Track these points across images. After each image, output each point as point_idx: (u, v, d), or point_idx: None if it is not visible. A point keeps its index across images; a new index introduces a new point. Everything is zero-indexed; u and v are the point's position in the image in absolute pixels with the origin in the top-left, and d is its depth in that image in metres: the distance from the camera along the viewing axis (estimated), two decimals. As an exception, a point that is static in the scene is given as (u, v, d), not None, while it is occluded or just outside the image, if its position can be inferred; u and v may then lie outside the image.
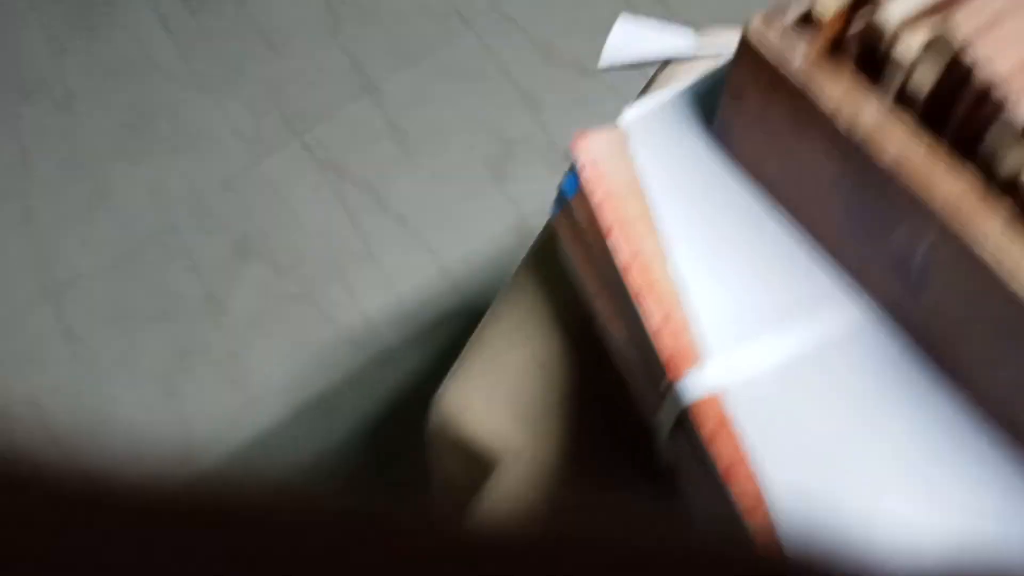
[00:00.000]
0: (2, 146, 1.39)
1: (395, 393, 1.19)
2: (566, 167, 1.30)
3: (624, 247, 0.35)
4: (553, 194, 1.29)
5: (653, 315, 0.34)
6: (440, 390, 0.46)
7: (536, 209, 1.28)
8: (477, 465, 0.40)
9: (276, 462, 1.16)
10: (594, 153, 0.38)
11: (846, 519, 0.30)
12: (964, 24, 0.29)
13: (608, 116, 1.33)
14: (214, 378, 1.20)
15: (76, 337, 1.25)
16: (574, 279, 0.42)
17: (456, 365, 0.47)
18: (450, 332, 1.21)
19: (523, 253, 1.24)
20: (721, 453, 0.32)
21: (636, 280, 0.34)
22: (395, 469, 1.16)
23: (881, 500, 0.31)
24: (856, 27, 0.32)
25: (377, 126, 1.35)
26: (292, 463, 1.16)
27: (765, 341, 0.33)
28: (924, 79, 0.30)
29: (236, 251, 1.28)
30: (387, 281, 1.25)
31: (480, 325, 0.49)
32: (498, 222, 1.28)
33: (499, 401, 0.41)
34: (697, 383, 0.33)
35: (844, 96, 0.31)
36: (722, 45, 0.51)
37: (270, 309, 1.24)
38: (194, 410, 1.19)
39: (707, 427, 0.32)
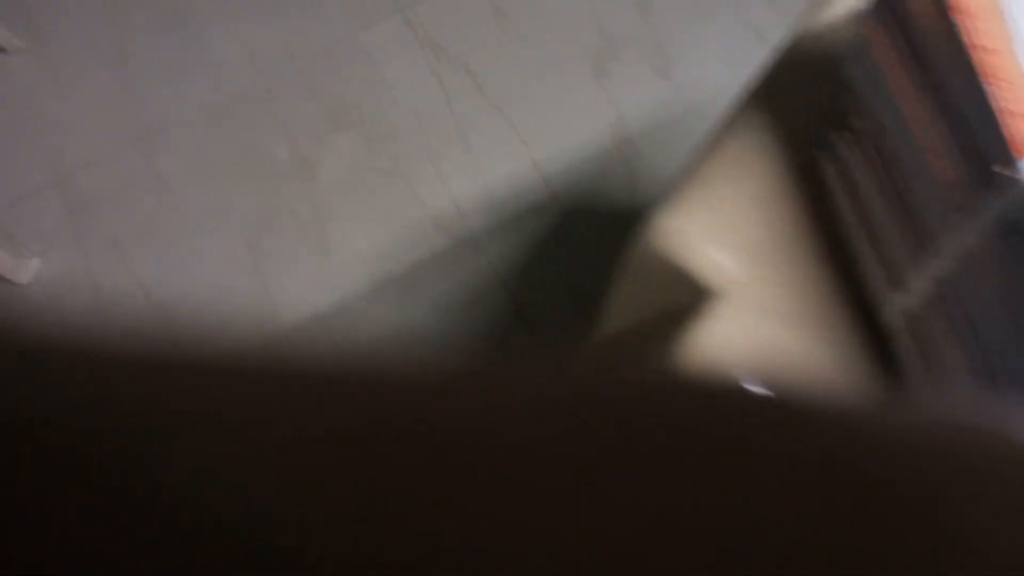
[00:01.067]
0: (100, -12, 1.37)
1: (475, 278, 1.19)
2: (671, 71, 1.27)
3: (977, 29, 0.33)
4: (655, 97, 1.26)
5: (1004, 96, 0.32)
6: (654, 219, 0.46)
7: (635, 111, 1.25)
8: (687, 294, 0.40)
9: (355, 331, 1.17)
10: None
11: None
12: None
13: (723, 30, 1.29)
14: (299, 241, 1.20)
15: (165, 184, 1.25)
16: (824, 102, 0.40)
17: (671, 196, 0.46)
18: (536, 226, 1.20)
19: (618, 154, 1.23)
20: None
21: (989, 61, 0.33)
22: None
23: None
24: None
25: (480, 8, 1.32)
26: (370, 333, 1.16)
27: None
28: None
29: (329, 118, 1.27)
30: (477, 167, 1.24)
31: (697, 158, 0.48)
32: (595, 120, 1.25)
33: (719, 235, 0.40)
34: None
35: None
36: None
37: (359, 180, 1.23)
38: (277, 271, 1.19)
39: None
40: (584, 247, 1.19)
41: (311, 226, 1.21)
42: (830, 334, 0.37)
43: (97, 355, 0.12)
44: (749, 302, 0.38)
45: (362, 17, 1.32)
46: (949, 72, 0.34)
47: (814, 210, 0.40)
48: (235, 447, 0.10)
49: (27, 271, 1.21)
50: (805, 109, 0.42)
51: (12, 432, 0.10)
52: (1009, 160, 0.32)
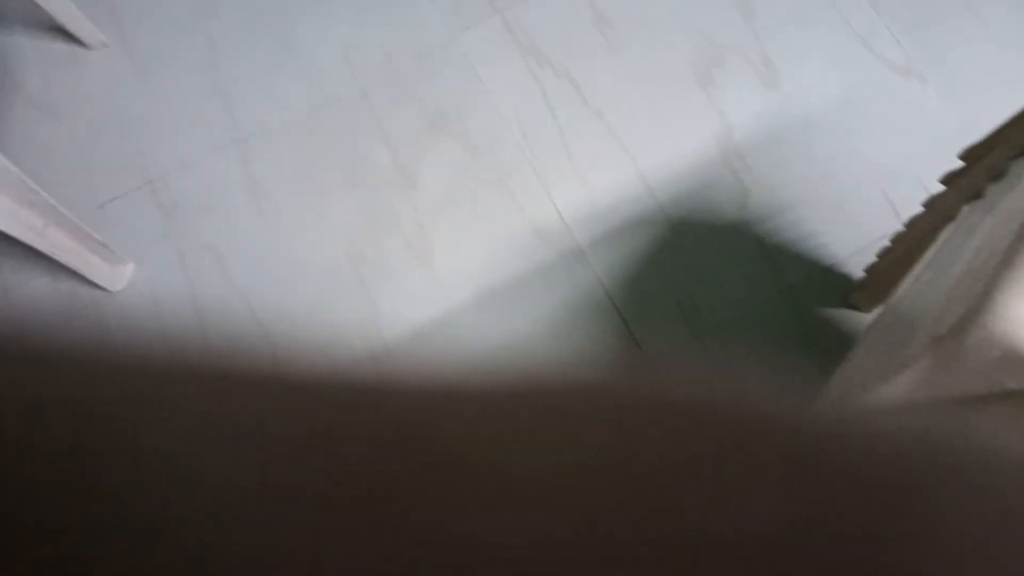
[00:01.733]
0: (186, -15, 1.34)
1: (580, 292, 1.16)
2: (777, 79, 1.25)
3: None
4: (761, 107, 1.23)
5: None
6: (990, 296, 0.43)
7: (742, 121, 1.22)
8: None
9: (459, 344, 1.14)
10: None
11: None
12: None
13: (828, 37, 1.26)
14: (402, 251, 1.18)
15: (261, 190, 1.22)
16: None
17: (1009, 267, 0.43)
18: (643, 238, 1.18)
19: (726, 165, 1.20)
20: None
21: None
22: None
23: None
24: None
25: (583, 13, 1.29)
26: (475, 347, 1.14)
27: None
28: None
29: (428, 124, 1.24)
30: (580, 177, 1.21)
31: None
32: (700, 129, 1.23)
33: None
34: None
35: None
36: None
37: (461, 189, 1.21)
38: (378, 282, 1.17)
39: None
40: (694, 260, 1.16)
41: (414, 236, 1.19)
42: None
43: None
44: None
45: (459, 18, 1.29)
46: None
47: None
48: None
49: (122, 277, 1.18)
50: None
51: None
52: None
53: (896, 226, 1.01)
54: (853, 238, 1.16)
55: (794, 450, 0.11)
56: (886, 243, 1.02)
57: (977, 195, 0.78)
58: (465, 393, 0.12)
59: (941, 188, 0.87)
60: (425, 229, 1.19)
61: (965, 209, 0.80)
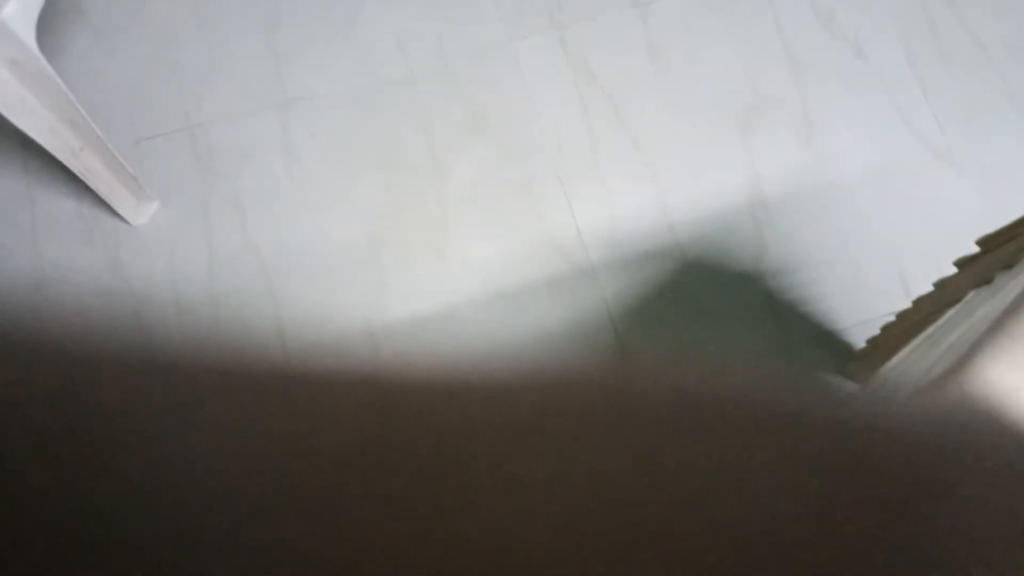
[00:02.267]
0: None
1: (584, 310, 1.17)
2: (815, 140, 1.26)
3: None
4: (795, 163, 1.24)
5: None
6: (971, 359, 0.44)
7: (773, 174, 1.24)
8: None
9: (457, 338, 1.16)
10: None
11: None
12: None
13: (873, 109, 1.28)
14: (419, 238, 1.20)
15: (295, 155, 1.24)
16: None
17: (993, 335, 0.44)
18: (656, 270, 1.19)
19: (749, 214, 1.21)
20: None
21: None
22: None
23: None
24: None
25: (637, 40, 1.31)
26: (472, 342, 1.15)
27: None
28: None
29: (469, 120, 1.26)
30: (606, 198, 1.23)
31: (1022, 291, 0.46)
32: (731, 175, 1.24)
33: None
34: None
35: None
36: None
37: (488, 188, 1.22)
38: (392, 263, 1.18)
39: None
40: (701, 301, 1.17)
41: (434, 225, 1.20)
42: None
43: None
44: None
45: (518, 26, 1.32)
46: None
47: None
48: None
49: (145, 213, 1.21)
50: None
51: None
52: None
53: (905, 303, 1.01)
54: (861, 308, 1.17)
55: (823, 441, 0.11)
56: (891, 318, 1.02)
57: (987, 281, 0.79)
58: (465, 388, 0.12)
59: (954, 271, 0.88)
60: (446, 221, 1.21)
61: (972, 293, 0.81)
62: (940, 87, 1.29)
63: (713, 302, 1.18)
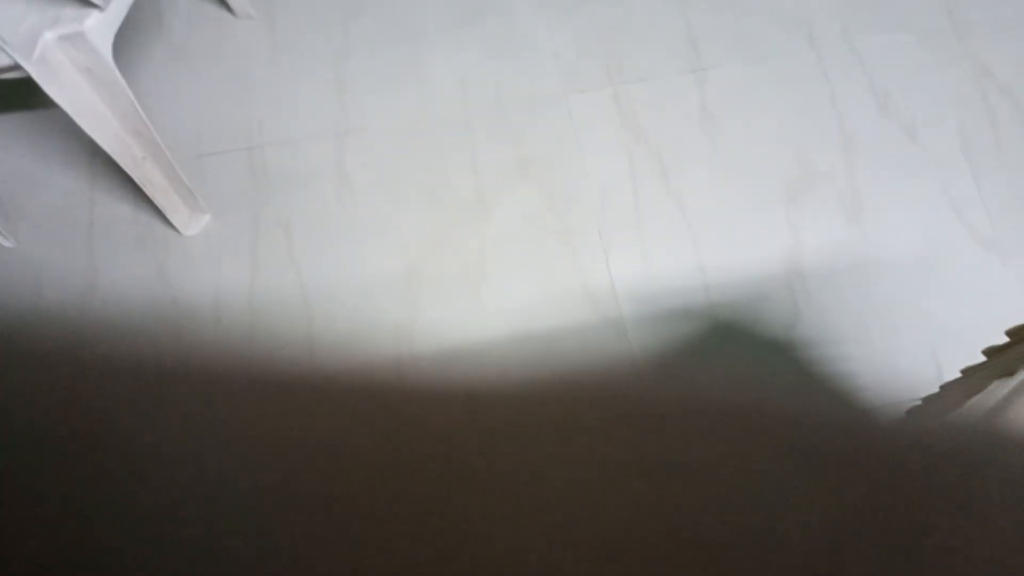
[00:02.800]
0: (339, -17, 1.44)
1: (611, 363, 1.18)
2: (861, 218, 1.26)
3: None
4: (838, 237, 1.24)
5: None
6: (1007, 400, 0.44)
7: (814, 245, 1.23)
8: None
9: (480, 372, 1.17)
10: None
11: None
12: None
13: (922, 193, 1.27)
14: (457, 275, 1.22)
15: (347, 183, 1.28)
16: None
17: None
18: (686, 330, 1.19)
19: (786, 284, 1.21)
20: None
21: None
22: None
23: None
24: None
25: (690, 105, 1.33)
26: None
27: None
28: None
29: (518, 166, 1.29)
30: (643, 254, 1.24)
31: None
32: (772, 243, 1.24)
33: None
34: None
35: None
36: None
37: (529, 233, 1.25)
38: (428, 296, 1.21)
39: None
40: (729, 365, 1.17)
41: (472, 263, 1.23)
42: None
43: None
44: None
45: (576, 81, 1.35)
46: None
47: None
48: None
49: (197, 224, 1.25)
50: None
51: None
52: None
53: (934, 387, 1.00)
54: (890, 389, 1.15)
55: (847, 445, 0.11)
56: (918, 402, 1.01)
57: (1010, 373, 0.78)
58: (484, 405, 0.12)
59: (982, 359, 0.87)
60: (484, 261, 1.23)
61: (995, 383, 0.80)
62: (993, 177, 1.28)
63: (741, 366, 1.17)
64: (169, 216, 1.20)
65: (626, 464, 0.12)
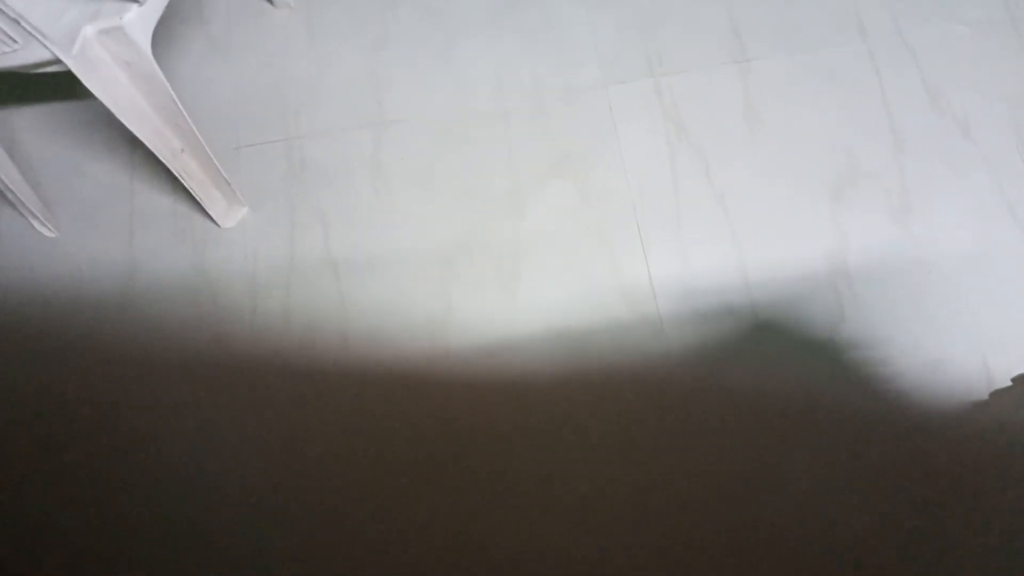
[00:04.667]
0: (378, -27, 1.42)
1: (646, 360, 1.16)
2: (908, 218, 1.22)
3: None
4: (885, 238, 1.20)
5: None
6: None
7: (860, 246, 1.20)
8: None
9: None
10: None
11: None
12: None
13: (974, 192, 1.23)
14: (491, 271, 1.21)
15: (383, 176, 1.28)
16: None
17: None
18: (725, 329, 1.17)
19: (829, 284, 1.18)
20: None
21: None
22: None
23: None
24: None
25: (734, 98, 1.30)
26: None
27: None
28: None
29: (555, 162, 1.27)
30: (682, 251, 1.21)
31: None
32: (815, 242, 1.21)
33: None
34: None
35: None
36: None
37: (564, 230, 1.23)
38: (461, 293, 1.20)
39: None
40: (769, 364, 1.14)
41: (507, 259, 1.21)
42: None
43: None
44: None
45: (616, 72, 1.32)
46: None
47: None
48: None
49: (235, 216, 1.25)
50: None
51: None
52: None
53: (984, 395, 0.97)
54: (939, 395, 1.11)
55: (899, 451, 0.11)
56: (970, 408, 0.98)
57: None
58: (516, 401, 0.11)
59: (1035, 368, 0.83)
60: (519, 256, 1.21)
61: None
62: (1050, 175, 1.23)
63: (781, 368, 1.14)
64: (207, 208, 1.21)
65: (670, 466, 0.11)
